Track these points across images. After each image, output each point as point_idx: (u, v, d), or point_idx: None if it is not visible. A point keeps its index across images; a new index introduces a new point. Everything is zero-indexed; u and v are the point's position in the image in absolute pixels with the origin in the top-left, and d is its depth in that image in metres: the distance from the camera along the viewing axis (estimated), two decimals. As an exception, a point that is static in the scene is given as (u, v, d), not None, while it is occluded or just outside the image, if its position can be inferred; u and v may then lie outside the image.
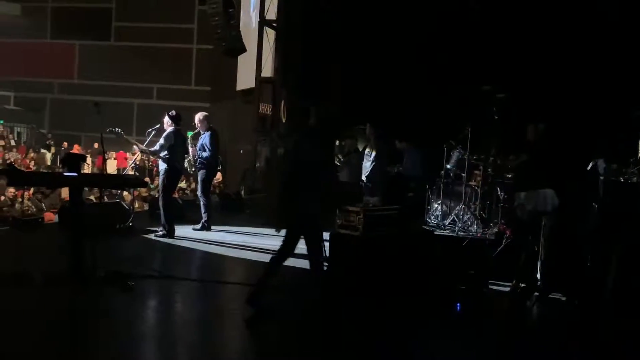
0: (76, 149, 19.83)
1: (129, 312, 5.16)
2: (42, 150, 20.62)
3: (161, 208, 8.32)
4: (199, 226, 8.96)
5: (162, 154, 8.23)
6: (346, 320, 5.19)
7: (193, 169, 9.28)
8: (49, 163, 19.62)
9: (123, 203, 9.56)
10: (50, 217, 10.54)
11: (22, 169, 14.67)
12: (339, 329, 4.96)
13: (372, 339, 4.89)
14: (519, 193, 6.29)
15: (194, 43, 23.43)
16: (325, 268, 5.66)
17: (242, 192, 13.87)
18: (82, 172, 6.89)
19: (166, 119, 8.45)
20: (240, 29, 14.21)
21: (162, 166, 8.31)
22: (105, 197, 11.01)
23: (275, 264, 5.21)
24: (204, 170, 8.93)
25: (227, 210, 11.89)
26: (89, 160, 17.05)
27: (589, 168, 6.86)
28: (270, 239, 8.53)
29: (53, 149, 21.04)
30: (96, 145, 20.06)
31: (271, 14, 14.93)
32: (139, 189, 12.46)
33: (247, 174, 15.26)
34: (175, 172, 8.42)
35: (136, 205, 11.18)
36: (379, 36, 12.06)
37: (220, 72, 20.34)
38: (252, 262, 7.28)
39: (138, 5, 23.37)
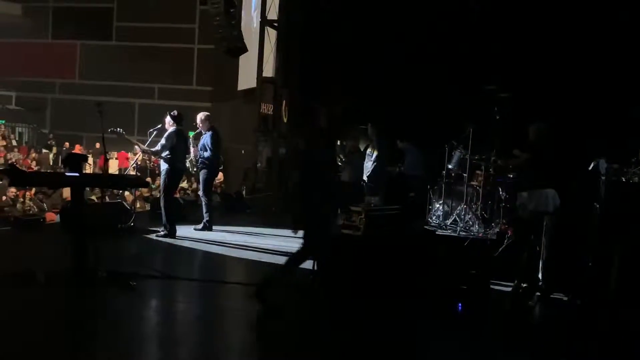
0: (78, 149, 19.82)
1: (130, 312, 5.16)
2: (44, 151, 20.62)
3: (162, 208, 8.32)
4: (200, 226, 8.96)
5: (163, 154, 8.23)
6: (346, 320, 5.19)
7: (194, 169, 9.28)
8: (51, 163, 19.61)
9: (124, 203, 9.55)
10: (52, 217, 10.53)
11: (24, 169, 14.66)
12: (339, 329, 4.96)
13: (373, 339, 4.88)
14: (520, 193, 6.28)
15: (195, 43, 23.37)
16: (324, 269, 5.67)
17: (244, 192, 13.87)
18: (84, 172, 6.89)
19: (168, 119, 8.45)
20: (242, 29, 14.25)
21: (164, 166, 8.31)
22: (106, 197, 11.01)
23: (294, 263, 5.23)
24: (206, 170, 8.93)
25: (229, 210, 11.88)
26: (90, 160, 17.06)
27: (590, 168, 6.85)
28: (271, 239, 8.58)
29: (54, 149, 21.02)
30: (98, 145, 20.03)
31: (272, 13, 14.94)
32: (140, 189, 12.46)
33: (248, 174, 15.28)
34: (176, 172, 8.43)
35: (138, 205, 11.18)
36: (379, 36, 12.06)
37: (222, 72, 20.35)
38: (253, 262, 7.28)
39: (139, 5, 23.32)
